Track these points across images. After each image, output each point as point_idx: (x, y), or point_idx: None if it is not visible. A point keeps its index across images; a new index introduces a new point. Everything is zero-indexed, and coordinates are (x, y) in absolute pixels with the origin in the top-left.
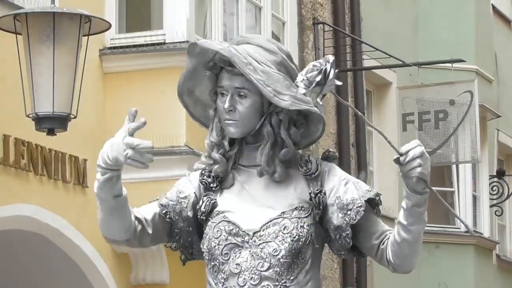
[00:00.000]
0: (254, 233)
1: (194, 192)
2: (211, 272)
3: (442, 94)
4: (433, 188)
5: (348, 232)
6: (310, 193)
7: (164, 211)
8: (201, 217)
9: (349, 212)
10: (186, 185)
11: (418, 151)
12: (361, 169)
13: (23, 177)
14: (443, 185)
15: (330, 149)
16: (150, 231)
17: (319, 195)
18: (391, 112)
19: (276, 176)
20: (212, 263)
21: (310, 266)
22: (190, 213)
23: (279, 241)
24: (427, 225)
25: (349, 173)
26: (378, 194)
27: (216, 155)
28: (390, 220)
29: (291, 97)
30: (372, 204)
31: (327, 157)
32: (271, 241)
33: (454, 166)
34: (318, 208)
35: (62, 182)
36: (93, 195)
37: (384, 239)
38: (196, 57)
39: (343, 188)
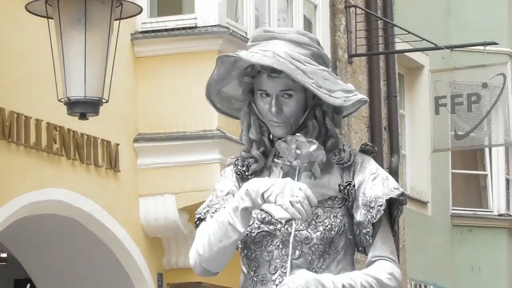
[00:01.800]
0: (287, 221)
1: (234, 185)
2: (244, 260)
3: (475, 77)
4: (465, 171)
5: (369, 229)
6: (339, 185)
7: None
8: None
9: (371, 210)
10: (224, 183)
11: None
12: (393, 152)
13: (55, 161)
14: (475, 168)
15: (368, 143)
16: None
17: (348, 187)
18: (423, 95)
19: (318, 173)
20: (245, 251)
21: (342, 256)
22: None
23: (311, 229)
24: (461, 208)
25: (382, 157)
26: (403, 194)
27: (256, 152)
28: (423, 203)
29: (341, 92)
30: (395, 203)
31: (363, 150)
32: (303, 230)
33: (487, 149)
34: (347, 200)
35: (94, 166)
36: (125, 179)
37: (370, 263)
38: (231, 64)
39: (370, 184)
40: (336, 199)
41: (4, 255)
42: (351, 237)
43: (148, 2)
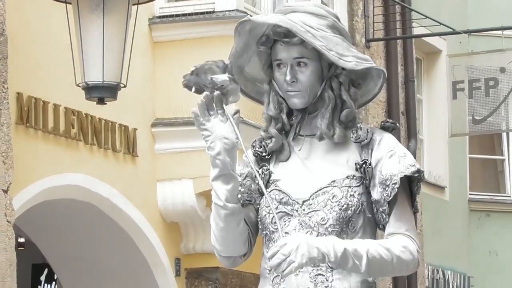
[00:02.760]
0: (304, 201)
1: (250, 167)
2: (264, 241)
3: (493, 62)
4: (483, 156)
5: (385, 208)
6: (356, 163)
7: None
8: (261, 190)
9: (386, 188)
10: (244, 165)
11: (285, 251)
12: (410, 137)
13: (73, 146)
14: (493, 153)
15: (389, 120)
16: (252, 236)
17: (364, 165)
18: (441, 80)
19: (335, 138)
20: (264, 232)
21: (361, 235)
22: (258, 187)
23: (328, 210)
24: (478, 193)
25: (399, 141)
26: (419, 171)
27: (273, 130)
28: (440, 188)
29: (354, 57)
30: (414, 179)
31: (384, 127)
32: (319, 210)
33: (504, 134)
34: (365, 178)
35: (112, 151)
36: (142, 164)
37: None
38: (247, 34)
39: (387, 161)
40: (354, 177)
41: (22, 240)
42: (370, 215)
43: None
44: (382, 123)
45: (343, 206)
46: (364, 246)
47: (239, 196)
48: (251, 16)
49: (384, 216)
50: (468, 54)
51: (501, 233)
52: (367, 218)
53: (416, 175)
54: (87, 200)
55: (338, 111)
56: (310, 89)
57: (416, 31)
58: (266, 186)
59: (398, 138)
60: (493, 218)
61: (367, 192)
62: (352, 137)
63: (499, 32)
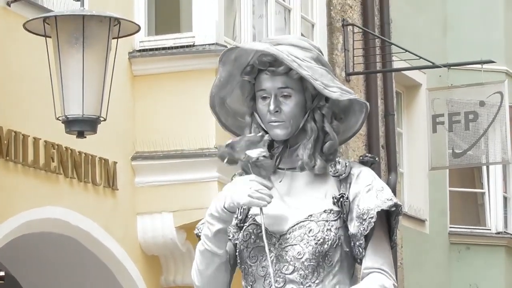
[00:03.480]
0: (281, 235)
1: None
2: (243, 275)
3: (472, 95)
4: (463, 189)
5: (361, 242)
6: (333, 197)
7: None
8: (240, 224)
9: (363, 222)
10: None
11: None
12: (391, 170)
13: (53, 179)
14: (473, 186)
15: (368, 154)
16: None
17: (341, 199)
18: (421, 113)
19: (316, 169)
20: (242, 266)
21: (338, 269)
22: (236, 221)
23: (304, 244)
24: (459, 226)
25: (379, 175)
26: (396, 205)
27: None
28: (421, 221)
29: (338, 88)
30: (392, 214)
31: (362, 162)
32: (296, 244)
33: (484, 167)
34: (342, 213)
35: (92, 184)
36: (122, 197)
37: (363, 276)
38: (232, 63)
39: (364, 195)
40: (332, 211)
41: (2, 273)
42: (348, 249)
43: (146, 21)
44: (361, 158)
45: (319, 240)
46: None
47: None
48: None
49: (361, 250)
50: (448, 88)
51: (481, 266)
52: (344, 252)
53: (393, 209)
54: (67, 233)
55: (320, 143)
56: (293, 120)
57: (396, 64)
58: (244, 221)
59: (378, 172)
60: (474, 251)
61: (345, 226)
62: (331, 171)
63: (479, 66)
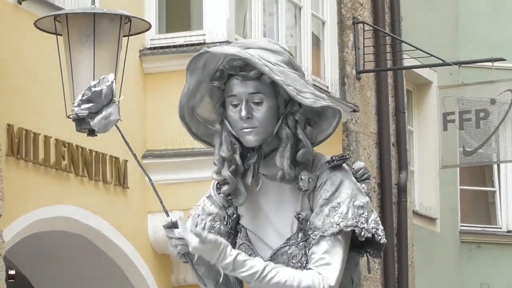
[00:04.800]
0: (267, 260)
1: (220, 208)
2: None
3: (483, 93)
4: (474, 187)
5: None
6: (295, 217)
7: None
8: (231, 230)
9: (312, 236)
10: (212, 203)
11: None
12: (401, 169)
13: (64, 178)
14: (484, 184)
15: (336, 156)
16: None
17: (299, 219)
18: (431, 111)
19: (299, 182)
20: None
21: None
22: (227, 228)
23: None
24: (469, 225)
25: (390, 173)
26: (340, 232)
27: (226, 172)
28: (431, 220)
29: (311, 94)
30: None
31: (332, 167)
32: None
33: (495, 166)
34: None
35: (102, 183)
36: (133, 196)
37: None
38: (200, 70)
39: (317, 209)
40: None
41: (13, 272)
42: None
43: (157, 19)
44: (328, 164)
45: (304, 263)
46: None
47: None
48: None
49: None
50: (459, 86)
51: (492, 265)
52: None
53: (336, 235)
54: (78, 232)
55: (294, 149)
56: (266, 126)
57: (407, 62)
58: (238, 228)
59: (389, 171)
60: (484, 250)
61: None
62: (298, 185)
63: (490, 63)
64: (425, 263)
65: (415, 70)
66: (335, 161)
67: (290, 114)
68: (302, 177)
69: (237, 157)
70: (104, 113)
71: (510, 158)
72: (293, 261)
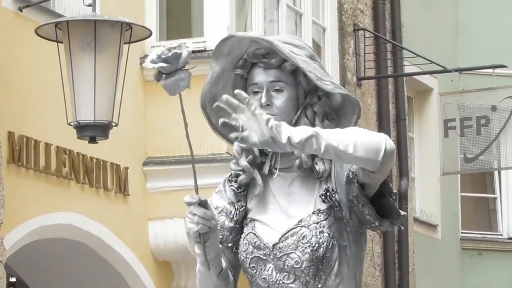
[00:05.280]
0: (274, 245)
1: (228, 203)
2: (248, 282)
3: (484, 100)
4: (475, 194)
5: (363, 198)
6: (320, 196)
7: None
8: (236, 225)
9: (350, 182)
10: (220, 197)
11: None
12: (402, 175)
13: (64, 185)
14: (485, 191)
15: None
16: (232, 274)
17: (327, 193)
18: (432, 118)
19: (303, 168)
20: (246, 275)
21: (338, 268)
22: (232, 223)
23: (300, 252)
24: (470, 231)
25: (391, 180)
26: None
27: (243, 162)
28: (433, 226)
29: (331, 82)
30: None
31: None
32: (291, 253)
33: (496, 172)
34: (335, 206)
35: (103, 190)
36: (134, 203)
37: None
38: (225, 57)
39: (341, 171)
40: (320, 211)
41: (13, 279)
42: (345, 243)
43: (157, 26)
44: None
45: (314, 246)
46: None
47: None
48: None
49: (370, 211)
50: (460, 93)
51: (493, 271)
52: (342, 247)
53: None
54: (78, 239)
55: None
56: (285, 115)
57: (408, 69)
58: (244, 222)
59: (390, 178)
60: (485, 257)
61: (337, 220)
62: (314, 175)
63: (490, 70)
64: (426, 270)
65: (415, 77)
66: None
67: (309, 106)
68: (317, 162)
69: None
70: (177, 76)
71: (511, 165)
72: (303, 241)
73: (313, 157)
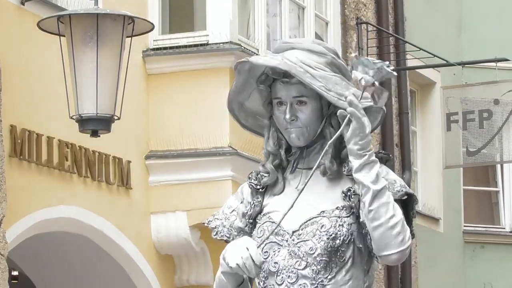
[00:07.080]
0: (294, 232)
1: (242, 202)
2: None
3: (486, 94)
4: (477, 188)
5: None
6: (342, 192)
7: (215, 233)
8: (249, 220)
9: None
10: (235, 198)
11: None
12: (405, 169)
13: (67, 179)
14: (487, 185)
15: (382, 151)
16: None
17: (348, 193)
18: (435, 111)
19: (328, 173)
20: None
21: (350, 265)
22: (241, 224)
23: (316, 239)
24: (473, 225)
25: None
26: (407, 194)
27: (269, 166)
28: (435, 220)
29: (353, 96)
30: (408, 204)
31: (377, 157)
32: (308, 240)
33: (498, 166)
34: (353, 208)
35: (105, 183)
36: (136, 196)
37: None
38: (246, 72)
39: None
40: (344, 208)
41: (15, 273)
42: (361, 245)
43: (160, 19)
44: (376, 155)
45: (331, 235)
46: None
47: (220, 234)
48: (249, 58)
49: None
50: (462, 86)
51: (496, 265)
52: (357, 248)
53: (404, 198)
54: (81, 232)
55: (337, 147)
56: (310, 127)
57: (410, 63)
58: (258, 218)
59: (393, 169)
60: (488, 250)
61: (358, 222)
62: (344, 171)
63: (493, 64)
64: (428, 264)
65: (418, 70)
66: (382, 154)
67: (334, 114)
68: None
69: (282, 152)
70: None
71: None
72: (321, 230)
73: (341, 160)
